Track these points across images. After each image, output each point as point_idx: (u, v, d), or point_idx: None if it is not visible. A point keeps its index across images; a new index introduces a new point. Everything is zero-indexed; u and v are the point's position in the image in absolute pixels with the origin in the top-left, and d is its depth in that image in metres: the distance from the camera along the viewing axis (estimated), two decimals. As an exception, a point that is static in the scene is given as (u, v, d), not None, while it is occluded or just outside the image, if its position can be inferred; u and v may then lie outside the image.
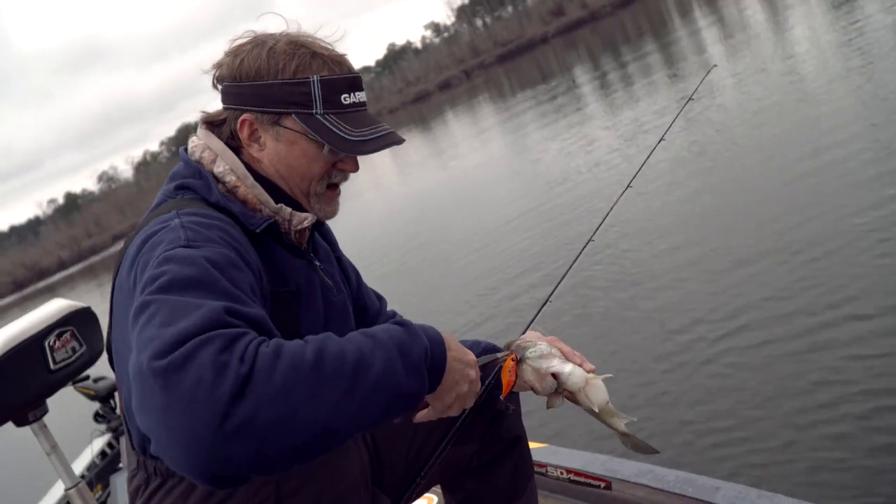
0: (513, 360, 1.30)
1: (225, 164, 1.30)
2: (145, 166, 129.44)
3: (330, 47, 1.31)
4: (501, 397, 1.38)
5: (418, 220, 11.90)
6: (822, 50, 10.05)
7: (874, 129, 5.94)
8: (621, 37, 32.53)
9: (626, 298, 5.11)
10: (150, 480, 1.23)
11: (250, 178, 1.30)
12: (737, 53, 12.92)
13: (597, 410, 1.30)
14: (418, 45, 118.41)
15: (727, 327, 4.06)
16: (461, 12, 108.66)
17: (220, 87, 1.33)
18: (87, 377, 3.50)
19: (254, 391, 0.84)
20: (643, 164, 2.04)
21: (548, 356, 1.30)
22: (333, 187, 1.37)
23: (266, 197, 1.30)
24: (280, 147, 1.30)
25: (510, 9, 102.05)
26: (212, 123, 1.35)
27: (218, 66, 1.33)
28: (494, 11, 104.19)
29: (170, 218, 1.15)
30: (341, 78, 1.28)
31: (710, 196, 6.44)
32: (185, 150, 1.36)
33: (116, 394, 4.02)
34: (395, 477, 1.55)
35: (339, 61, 1.29)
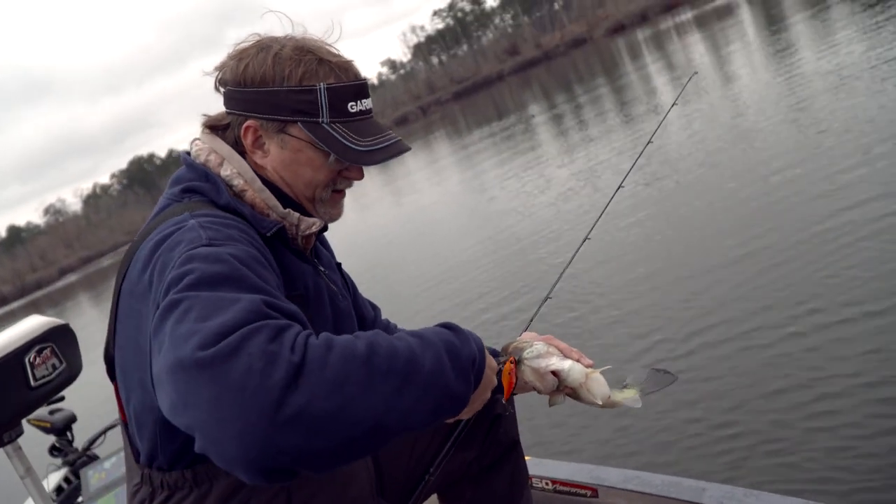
0: (511, 362, 1.30)
1: (232, 168, 1.27)
2: (95, 199, 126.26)
3: (336, 51, 1.28)
4: (503, 401, 1.37)
5: (377, 251, 11.88)
6: (765, 88, 10.50)
7: (820, 159, 6.23)
8: (574, 76, 33.39)
9: (607, 299, 5.22)
10: (155, 494, 1.20)
11: (258, 182, 1.27)
12: (687, 90, 13.31)
13: (600, 403, 1.31)
14: (375, 81, 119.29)
15: (709, 330, 4.13)
16: (417, 50, 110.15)
17: (222, 90, 1.29)
18: (62, 398, 3.40)
19: (307, 381, 0.82)
20: (634, 164, 2.11)
21: (546, 355, 1.31)
22: (339, 192, 1.34)
23: (274, 202, 1.27)
24: (285, 154, 1.27)
25: (465, 47, 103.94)
26: (214, 127, 1.32)
27: (221, 68, 1.29)
28: (450, 49, 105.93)
29: (184, 219, 1.11)
30: (348, 85, 1.25)
31: (685, 207, 6.62)
32: (188, 153, 1.32)
33: (74, 425, 3.88)
34: (396, 486, 1.54)
35: (346, 68, 1.26)
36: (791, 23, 16.72)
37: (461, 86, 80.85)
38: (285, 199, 1.30)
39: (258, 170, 1.29)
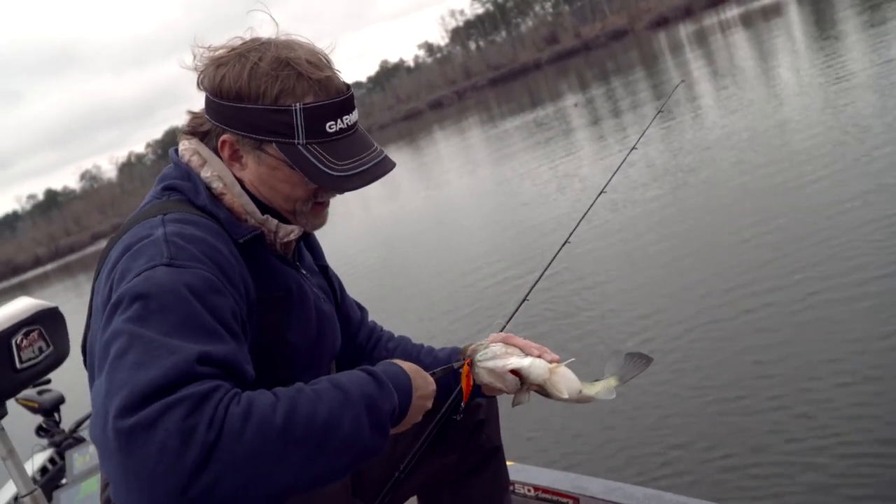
0: (469, 364, 1.31)
1: (213, 171, 1.26)
2: (129, 167, 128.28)
3: (320, 60, 1.23)
4: (462, 403, 1.38)
5: (393, 238, 11.87)
6: (802, 88, 10.20)
7: (848, 164, 6.04)
8: (613, 67, 32.92)
9: (590, 307, 5.19)
10: None
11: (237, 187, 1.26)
12: (722, 86, 13.10)
13: (566, 397, 1.28)
14: (411, 63, 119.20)
15: (691, 343, 4.08)
16: (455, 34, 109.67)
17: (202, 89, 1.28)
18: (49, 381, 3.38)
19: (219, 459, 0.84)
20: (617, 170, 2.10)
21: (503, 355, 1.29)
22: (321, 204, 1.32)
23: (252, 207, 1.26)
24: (262, 170, 1.25)
25: (504, 33, 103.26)
26: (195, 133, 1.30)
27: (199, 67, 1.26)
28: (489, 35, 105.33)
29: (154, 225, 1.12)
30: (327, 104, 1.20)
31: (679, 206, 6.63)
32: (176, 151, 1.32)
33: (62, 406, 3.88)
34: (374, 487, 1.55)
35: (327, 84, 1.21)
36: (841, 26, 16.23)
37: (497, 72, 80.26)
38: (264, 206, 1.29)
39: (237, 179, 1.28)
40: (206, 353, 0.92)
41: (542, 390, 1.30)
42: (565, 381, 1.29)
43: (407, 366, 1.21)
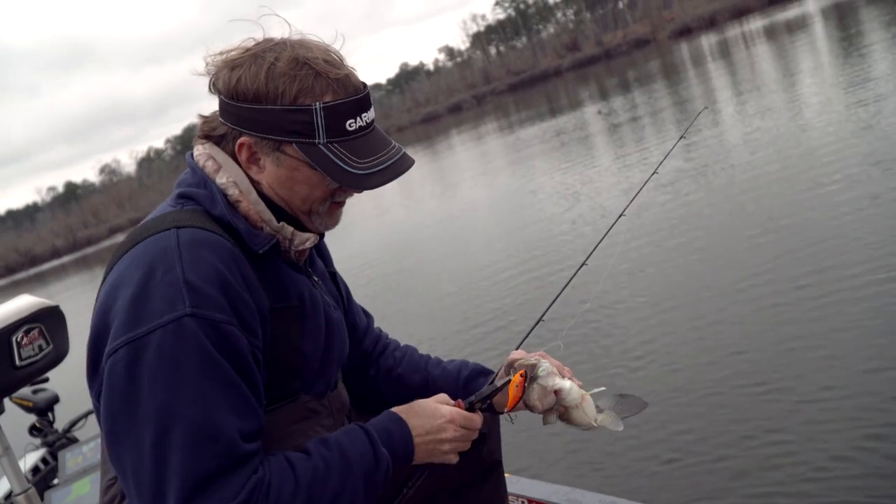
0: (521, 376, 1.33)
1: (228, 176, 1.24)
2: (148, 162, 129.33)
3: (335, 59, 1.23)
4: (506, 411, 1.39)
5: (403, 247, 11.84)
6: (826, 103, 10.08)
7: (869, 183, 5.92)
8: (633, 76, 32.78)
9: (604, 327, 5.12)
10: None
11: (254, 194, 1.25)
12: (744, 100, 12.98)
13: (595, 424, 1.34)
14: (431, 67, 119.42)
15: (692, 358, 4.06)
16: (476, 39, 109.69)
17: (215, 92, 1.26)
18: (47, 379, 3.36)
19: None
20: (637, 193, 2.10)
21: (552, 374, 1.34)
22: (337, 203, 1.32)
23: (269, 215, 1.25)
24: (281, 172, 1.23)
25: (525, 39, 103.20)
26: (210, 136, 1.29)
27: (212, 72, 1.25)
28: (510, 41, 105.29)
29: (169, 246, 1.12)
30: (346, 102, 1.20)
31: (699, 233, 6.51)
32: (192, 155, 1.30)
33: (56, 406, 3.85)
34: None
35: (345, 82, 1.21)
36: (867, 40, 16.04)
37: (518, 78, 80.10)
38: (280, 212, 1.28)
39: (253, 183, 1.27)
40: (241, 432, 1.07)
41: (566, 413, 1.34)
42: (592, 408, 1.34)
43: (405, 412, 1.29)
